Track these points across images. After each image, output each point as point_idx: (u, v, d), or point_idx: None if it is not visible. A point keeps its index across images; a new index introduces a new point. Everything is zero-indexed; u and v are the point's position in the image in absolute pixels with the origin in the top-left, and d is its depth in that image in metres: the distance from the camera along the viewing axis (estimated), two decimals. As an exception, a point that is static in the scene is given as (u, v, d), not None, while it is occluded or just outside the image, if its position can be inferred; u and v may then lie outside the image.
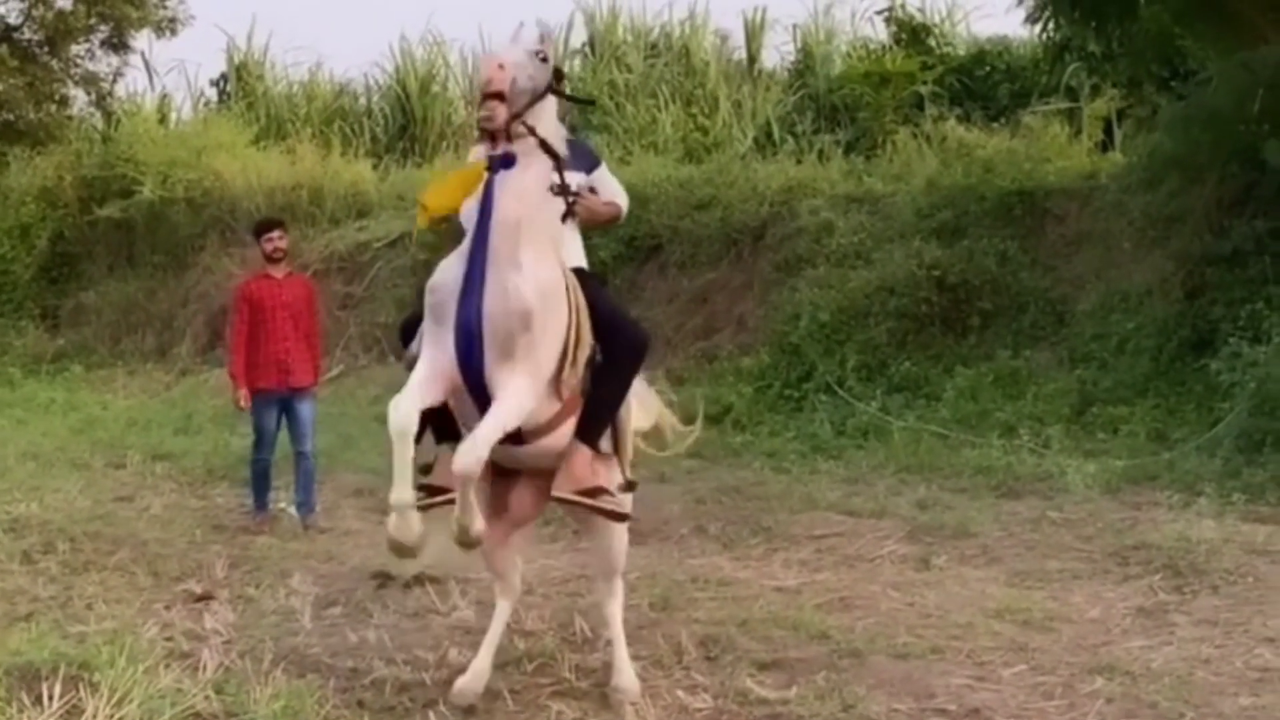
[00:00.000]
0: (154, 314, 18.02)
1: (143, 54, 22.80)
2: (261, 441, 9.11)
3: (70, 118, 21.71)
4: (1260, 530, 7.85)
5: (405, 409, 4.66)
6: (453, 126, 21.67)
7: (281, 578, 7.44)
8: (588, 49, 22.36)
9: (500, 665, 5.53)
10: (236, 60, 23.10)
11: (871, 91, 18.97)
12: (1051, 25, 13.61)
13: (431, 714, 5.20)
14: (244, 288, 9.41)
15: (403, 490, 4.63)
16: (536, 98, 4.86)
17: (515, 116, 4.78)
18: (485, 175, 4.83)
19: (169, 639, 6.13)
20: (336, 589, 7.22)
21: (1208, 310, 11.25)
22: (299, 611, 6.73)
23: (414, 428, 4.67)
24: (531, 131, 4.84)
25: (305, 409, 9.13)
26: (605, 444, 5.25)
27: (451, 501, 4.81)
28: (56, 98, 21.65)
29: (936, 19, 21.40)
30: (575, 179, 5.29)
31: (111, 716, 4.64)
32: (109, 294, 18.41)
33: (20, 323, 18.47)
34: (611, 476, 5.24)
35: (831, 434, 11.50)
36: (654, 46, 22.21)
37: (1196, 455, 9.58)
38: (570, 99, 5.63)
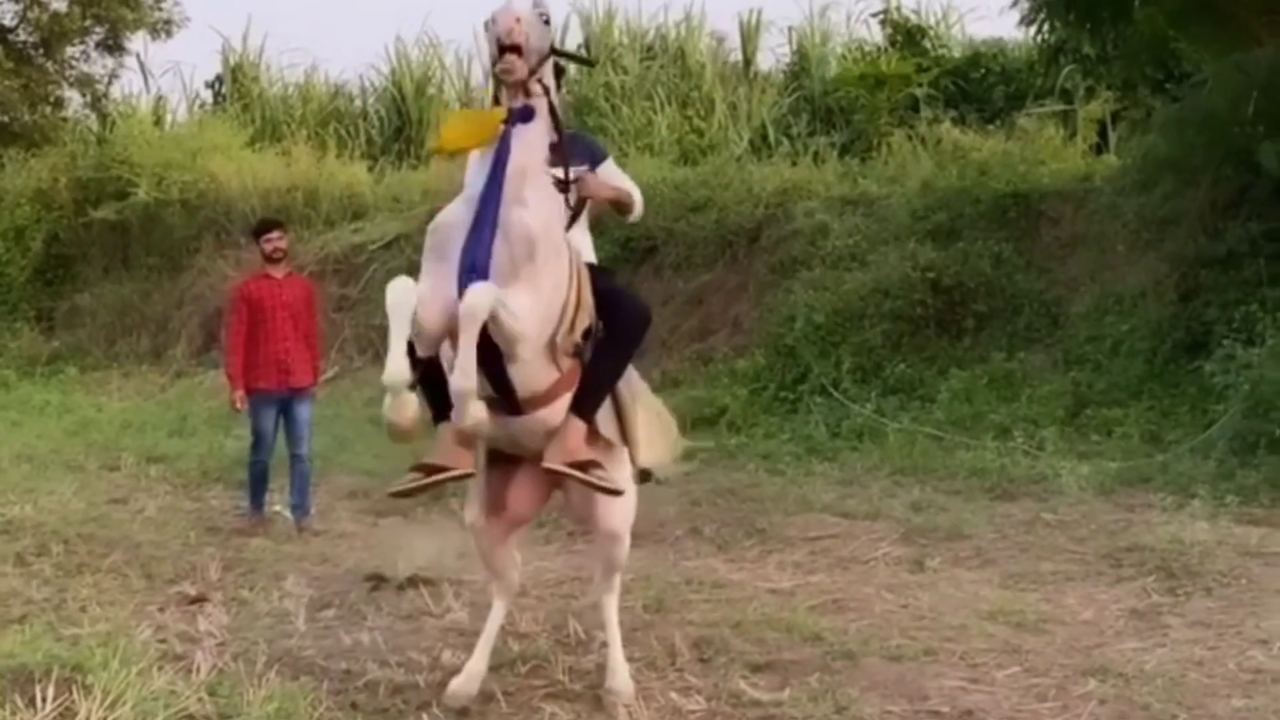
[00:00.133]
0: (149, 316, 18.02)
1: (138, 56, 22.90)
2: (259, 443, 9.10)
3: (65, 119, 21.75)
4: (1254, 532, 7.85)
5: (401, 285, 4.66)
6: (448, 129, 21.62)
7: (275, 580, 7.44)
8: (583, 51, 22.36)
9: (494, 667, 5.51)
10: (232, 62, 23.11)
11: (867, 94, 18.98)
12: (1046, 27, 13.62)
13: (425, 716, 5.19)
14: (243, 288, 9.40)
15: (397, 368, 4.56)
16: (543, 58, 4.88)
17: (532, 72, 4.80)
18: (501, 127, 4.80)
19: (162, 641, 6.12)
20: (330, 591, 7.22)
21: (1202, 312, 11.26)
22: (293, 614, 6.72)
23: (409, 303, 4.61)
24: (547, 92, 4.87)
25: (303, 412, 9.13)
26: (610, 430, 5.20)
27: (450, 480, 4.79)
28: (51, 99, 21.70)
29: (932, 21, 21.48)
30: (577, 173, 5.26)
31: (104, 719, 4.64)
32: (104, 296, 18.41)
33: (15, 325, 18.48)
34: (614, 463, 5.18)
35: (826, 436, 11.50)
36: (649, 49, 22.22)
37: (1190, 457, 9.58)
38: (571, 58, 5.61)
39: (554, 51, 5.02)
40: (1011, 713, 5.19)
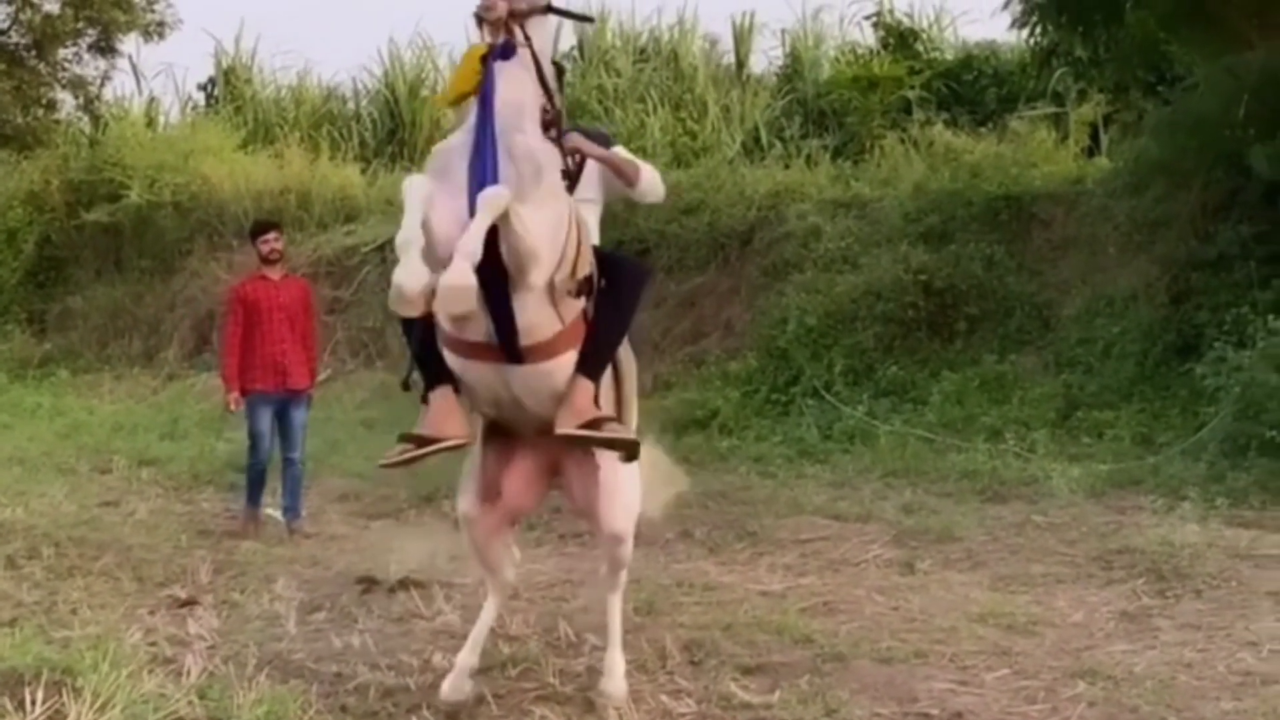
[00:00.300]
0: (141, 318, 17.99)
1: (130, 58, 22.85)
2: (257, 445, 9.08)
3: (57, 122, 21.70)
4: (1244, 535, 7.87)
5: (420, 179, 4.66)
6: (441, 130, 21.63)
7: (266, 583, 7.44)
8: (577, 53, 22.37)
9: (484, 670, 5.52)
10: (224, 64, 23.09)
11: (859, 96, 19.02)
12: (1038, 30, 13.65)
13: (415, 719, 5.20)
14: (239, 289, 9.39)
15: (410, 228, 4.46)
16: (534, 9, 4.86)
17: (515, 15, 4.77)
18: (482, 65, 4.77)
19: (153, 644, 6.12)
20: (321, 594, 7.22)
21: (1193, 315, 11.29)
22: (283, 616, 6.73)
23: (426, 190, 4.58)
24: (529, 42, 4.81)
25: (299, 416, 9.13)
26: (607, 402, 5.04)
27: (442, 450, 4.73)
28: (44, 102, 21.66)
29: (924, 24, 21.48)
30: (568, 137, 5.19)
31: (94, 722, 4.65)
32: (96, 298, 18.37)
33: (6, 327, 18.44)
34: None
35: (818, 438, 11.51)
36: (643, 51, 22.24)
37: (1181, 459, 9.61)
38: (569, 15, 5.70)
39: (550, 9, 4.97)
40: (1001, 715, 5.21)
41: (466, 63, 4.87)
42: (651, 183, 5.58)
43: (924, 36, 21.21)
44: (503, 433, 5.19)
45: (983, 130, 15.62)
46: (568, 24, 21.30)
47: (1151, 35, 13.06)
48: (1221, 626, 6.26)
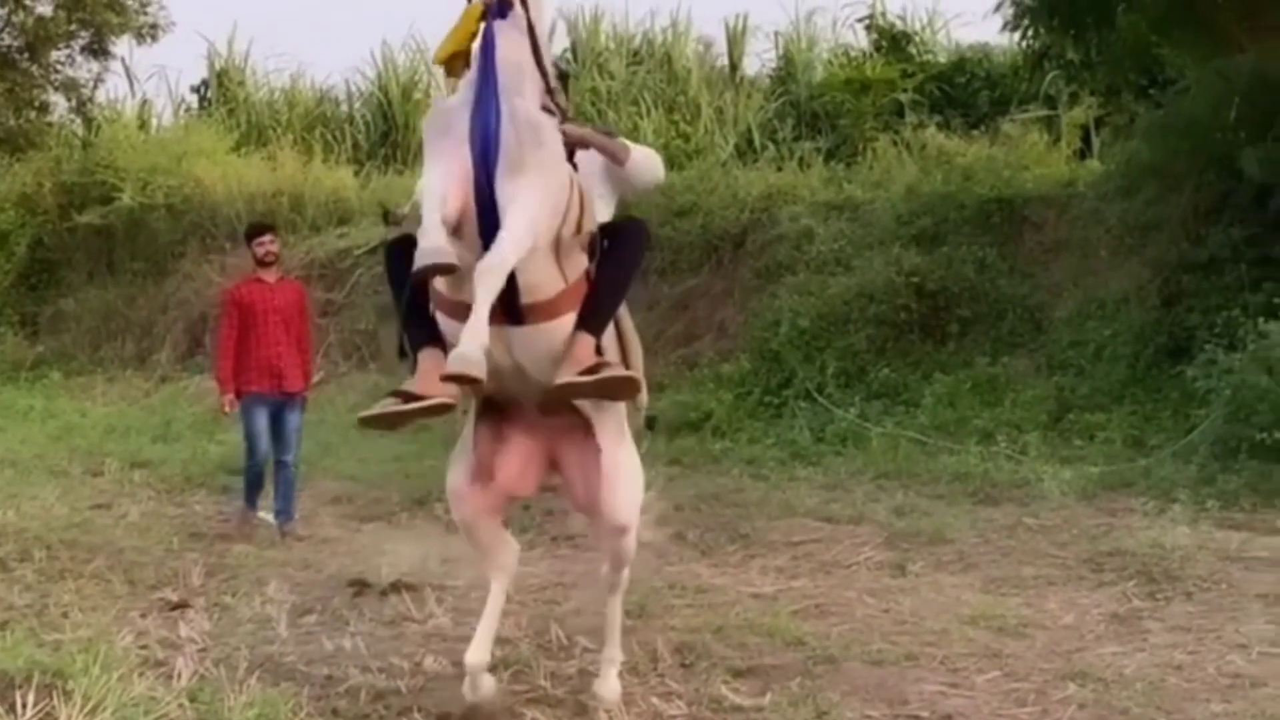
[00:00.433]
0: (133, 321, 17.98)
1: (123, 60, 22.81)
2: (254, 447, 9.07)
3: (50, 124, 21.68)
4: (1234, 537, 7.89)
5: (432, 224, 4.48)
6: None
7: (258, 585, 7.43)
8: (570, 55, 22.38)
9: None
10: (217, 66, 23.08)
11: (852, 99, 19.04)
12: (1030, 33, 13.67)
13: (405, 722, 5.20)
14: (234, 292, 9.38)
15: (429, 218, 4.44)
16: None
17: None
18: (480, 24, 4.74)
19: (144, 647, 6.11)
20: (313, 597, 7.21)
21: (1184, 317, 11.32)
22: (275, 619, 6.72)
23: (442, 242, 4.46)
24: (524, 2, 4.76)
25: (293, 419, 9.12)
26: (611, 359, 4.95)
27: (430, 411, 4.62)
28: (36, 104, 21.62)
29: (917, 26, 21.55)
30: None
31: (84, 725, 4.64)
32: (88, 301, 18.36)
33: (-1, 329, 18.43)
34: (618, 441, 5.04)
35: (810, 440, 11.52)
36: (636, 53, 22.27)
37: (1172, 462, 9.63)
38: None
39: None
40: (991, 717, 5.21)
41: (464, 20, 4.85)
42: (645, 163, 5.54)
43: (916, 39, 21.27)
44: (497, 410, 5.07)
45: (975, 133, 15.65)
46: (561, 29, 21.29)
47: (1143, 38, 13.09)
48: (1211, 629, 6.27)
